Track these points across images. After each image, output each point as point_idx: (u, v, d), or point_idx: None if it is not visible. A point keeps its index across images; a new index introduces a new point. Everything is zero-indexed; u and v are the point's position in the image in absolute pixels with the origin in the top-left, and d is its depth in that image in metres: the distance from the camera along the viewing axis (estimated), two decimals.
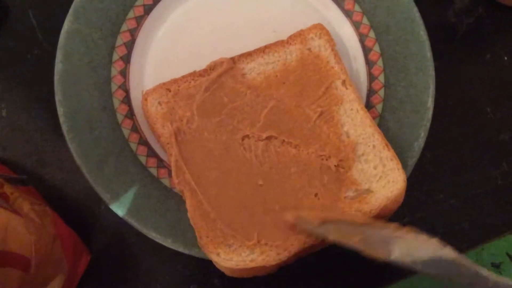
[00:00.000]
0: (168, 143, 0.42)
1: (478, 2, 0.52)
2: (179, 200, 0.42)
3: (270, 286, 0.45)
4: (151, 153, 0.44)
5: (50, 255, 0.34)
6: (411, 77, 0.46)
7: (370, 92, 0.46)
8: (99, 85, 0.44)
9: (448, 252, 0.34)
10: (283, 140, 0.43)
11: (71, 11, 0.45)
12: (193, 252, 0.41)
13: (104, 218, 0.46)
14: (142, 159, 0.44)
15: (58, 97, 0.43)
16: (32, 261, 0.31)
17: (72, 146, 0.42)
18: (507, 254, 0.46)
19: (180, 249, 0.41)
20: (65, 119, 0.42)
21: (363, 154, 0.43)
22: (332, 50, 0.46)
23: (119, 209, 0.41)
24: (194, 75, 0.45)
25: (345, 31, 0.48)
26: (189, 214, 0.40)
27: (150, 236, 0.41)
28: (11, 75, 0.48)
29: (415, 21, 0.46)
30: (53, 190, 0.46)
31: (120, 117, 0.44)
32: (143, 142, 0.44)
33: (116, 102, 0.45)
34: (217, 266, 0.40)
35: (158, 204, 0.42)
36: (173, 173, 0.41)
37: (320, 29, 0.46)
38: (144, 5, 0.47)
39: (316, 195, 0.41)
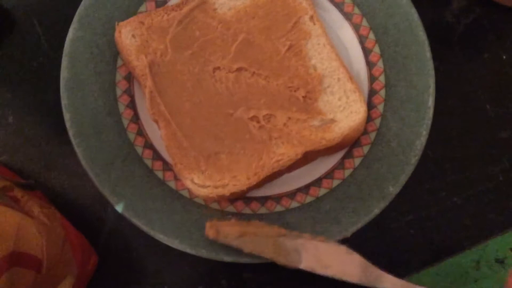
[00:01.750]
0: (142, 75, 0.44)
1: (475, 2, 0.53)
2: (185, 201, 0.43)
3: (275, 286, 0.46)
4: (157, 156, 0.45)
5: (60, 256, 0.35)
6: (411, 77, 0.46)
7: (372, 92, 0.47)
8: (105, 91, 0.45)
9: (356, 257, 0.39)
10: (253, 72, 0.45)
11: (75, 19, 0.45)
12: (200, 253, 0.41)
13: (111, 221, 0.46)
14: (148, 162, 0.44)
15: (64, 103, 0.44)
16: (43, 261, 0.32)
17: (78, 151, 0.43)
18: (511, 250, 0.46)
19: (187, 250, 0.41)
20: (72, 124, 0.43)
21: (328, 86, 0.45)
22: None
23: (126, 212, 0.42)
24: (167, 9, 0.46)
25: (345, 33, 0.48)
26: (164, 143, 0.42)
27: (157, 238, 0.41)
28: (17, 82, 0.49)
29: (414, 22, 0.47)
30: (60, 194, 0.47)
31: (125, 122, 0.45)
32: (149, 145, 0.45)
33: (121, 107, 0.45)
34: (193, 193, 0.41)
35: (165, 206, 0.43)
36: (148, 104, 0.43)
37: None
38: (147, 11, 0.47)
39: (284, 124, 0.43)
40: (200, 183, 0.41)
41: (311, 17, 0.47)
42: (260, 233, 0.40)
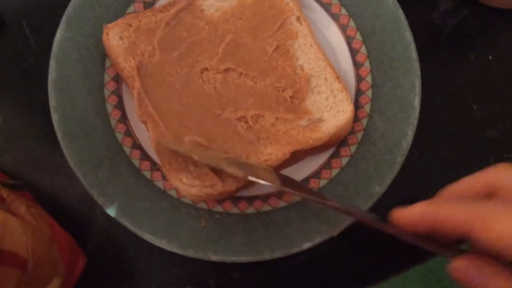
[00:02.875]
0: (130, 77, 0.44)
1: (462, 3, 0.53)
2: (173, 202, 0.43)
3: (262, 285, 0.46)
4: (145, 156, 0.45)
5: (46, 256, 0.35)
6: (398, 78, 0.47)
7: (358, 92, 0.47)
8: (93, 91, 0.45)
9: None
10: (241, 72, 0.45)
11: (63, 19, 0.46)
12: (188, 253, 0.41)
13: (99, 222, 0.46)
14: (136, 162, 0.44)
15: (52, 103, 0.44)
16: (29, 261, 0.32)
17: (66, 152, 0.43)
18: None
19: (175, 249, 0.42)
20: (60, 125, 0.43)
21: (315, 86, 0.45)
22: None
23: (114, 212, 0.42)
24: (154, 10, 0.47)
25: (332, 34, 0.49)
26: (152, 144, 0.43)
27: (145, 238, 0.41)
28: (6, 83, 0.49)
29: (401, 23, 0.47)
30: (49, 195, 0.47)
31: (113, 122, 0.45)
32: (137, 146, 0.45)
33: (109, 107, 0.45)
34: (181, 193, 0.42)
35: (152, 206, 0.43)
36: (136, 105, 0.43)
37: None
38: (135, 12, 0.48)
39: (272, 124, 0.43)
40: (188, 183, 0.41)
41: (298, 18, 0.47)
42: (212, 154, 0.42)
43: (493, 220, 0.28)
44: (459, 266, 0.30)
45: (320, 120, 0.44)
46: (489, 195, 0.32)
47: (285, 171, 0.45)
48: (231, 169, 0.39)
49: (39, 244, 0.33)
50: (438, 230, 0.31)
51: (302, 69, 0.46)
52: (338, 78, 0.45)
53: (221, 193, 0.42)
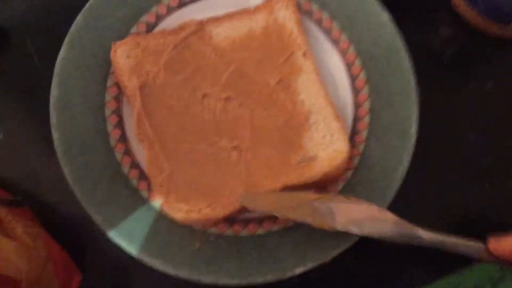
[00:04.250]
0: (132, 96, 0.45)
1: (462, 32, 0.53)
2: (169, 222, 0.44)
3: None
4: (143, 176, 0.45)
5: (41, 277, 0.35)
6: (396, 104, 0.47)
7: (356, 118, 0.48)
8: (94, 111, 0.46)
9: (388, 214, 0.39)
10: (241, 102, 0.45)
11: (67, 39, 0.46)
12: (182, 274, 0.42)
13: (97, 240, 0.46)
14: (134, 182, 0.45)
15: (53, 121, 0.44)
16: (22, 283, 0.32)
17: (65, 170, 0.43)
18: (489, 280, 0.47)
19: (169, 271, 0.42)
20: (60, 143, 0.44)
21: (314, 123, 0.45)
22: (296, 22, 0.48)
23: (110, 231, 0.42)
24: (164, 33, 0.47)
25: (332, 59, 0.49)
26: (145, 164, 0.43)
27: (139, 258, 0.42)
28: (9, 100, 0.50)
29: (400, 50, 0.48)
30: (48, 211, 0.47)
31: (113, 141, 0.46)
32: (135, 165, 0.45)
33: (110, 127, 0.46)
34: (168, 214, 0.42)
35: (148, 227, 0.43)
36: (135, 124, 0.44)
37: (287, 1, 0.48)
38: (138, 33, 0.48)
39: (266, 157, 0.44)
40: (176, 207, 0.42)
41: (304, 53, 0.47)
42: (294, 200, 0.41)
43: None
44: None
45: (315, 158, 0.44)
46: None
47: None
48: (317, 223, 0.40)
49: (34, 266, 0.34)
50: None
51: (303, 105, 0.46)
52: (337, 117, 0.45)
53: (208, 220, 0.42)
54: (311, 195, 0.41)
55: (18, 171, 0.48)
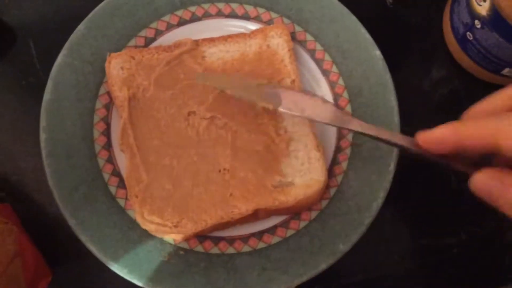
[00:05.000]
0: (121, 106, 0.46)
1: (454, 73, 0.54)
2: (142, 233, 0.44)
3: None
4: (122, 184, 0.46)
5: (5, 273, 0.36)
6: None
7: (338, 149, 0.48)
8: (83, 116, 0.47)
9: (329, 105, 0.42)
10: (225, 123, 0.46)
11: (66, 45, 0.48)
12: (147, 285, 0.42)
13: (70, 242, 0.47)
14: (112, 189, 0.46)
15: (42, 123, 0.46)
16: None
17: (48, 171, 0.44)
18: None
19: (135, 280, 0.43)
20: (46, 145, 0.45)
21: (294, 150, 0.46)
22: (289, 50, 0.49)
23: (82, 235, 0.43)
24: (159, 49, 0.49)
25: (320, 89, 0.50)
26: (124, 174, 0.45)
27: (108, 265, 0.43)
28: (3, 98, 0.51)
29: (387, 86, 0.48)
30: (28, 210, 0.48)
31: (97, 148, 0.47)
32: (116, 173, 0.47)
33: (96, 133, 0.47)
34: (142, 226, 0.43)
35: (120, 235, 0.44)
36: (119, 134, 0.45)
37: (282, 29, 0.50)
38: (135, 46, 0.50)
39: (243, 178, 0.44)
40: (149, 219, 0.43)
41: (293, 81, 0.48)
42: (245, 82, 0.46)
43: None
44: (480, 178, 0.31)
45: (291, 183, 0.45)
46: None
47: (250, 224, 0.46)
48: (263, 103, 0.43)
49: None
50: (463, 147, 0.32)
51: (285, 131, 0.46)
52: (318, 146, 0.46)
53: (179, 235, 0.43)
54: (261, 80, 0.45)
55: (4, 168, 0.49)
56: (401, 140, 0.37)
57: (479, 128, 0.31)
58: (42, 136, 0.46)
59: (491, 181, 0.31)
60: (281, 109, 0.42)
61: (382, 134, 0.38)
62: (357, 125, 0.40)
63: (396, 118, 0.48)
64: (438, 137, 0.34)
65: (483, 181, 0.32)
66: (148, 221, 0.43)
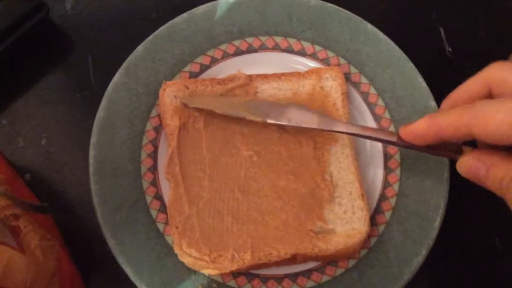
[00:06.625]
0: (171, 135, 0.46)
1: None
2: (177, 259, 0.44)
3: None
4: (163, 209, 0.46)
5: None
6: (425, 193, 0.46)
7: (382, 197, 0.47)
8: (133, 137, 0.48)
9: (314, 113, 0.45)
10: (272, 163, 0.46)
11: (123, 65, 0.49)
12: None
13: (107, 262, 0.47)
14: (153, 213, 0.46)
15: (93, 140, 0.47)
16: None
17: (93, 188, 0.45)
18: None
19: None
20: (94, 162, 0.46)
21: (338, 197, 0.45)
22: (342, 94, 0.49)
23: (120, 256, 0.43)
24: (213, 81, 0.49)
25: None
26: (167, 203, 0.45)
27: None
28: (58, 109, 0.52)
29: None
30: (70, 224, 0.49)
31: (143, 169, 0.47)
32: (158, 196, 0.47)
33: (144, 155, 0.48)
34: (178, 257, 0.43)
35: (157, 260, 0.44)
36: (166, 163, 0.46)
37: (337, 72, 0.49)
38: (190, 72, 0.50)
39: (284, 220, 0.44)
40: (187, 251, 0.43)
41: None
42: (230, 102, 0.47)
43: (489, 115, 0.31)
44: (464, 162, 0.35)
45: (332, 231, 0.44)
46: (489, 95, 0.36)
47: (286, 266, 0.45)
48: (251, 117, 0.45)
49: (39, 280, 0.35)
50: (443, 137, 0.35)
51: (331, 176, 0.46)
52: (362, 195, 0.45)
53: (215, 270, 0.43)
54: (244, 98, 0.47)
55: (50, 179, 0.50)
56: (387, 136, 0.41)
57: (453, 119, 0.33)
58: (92, 152, 0.46)
59: (475, 163, 0.34)
60: (269, 121, 0.45)
61: (367, 132, 0.42)
62: (342, 127, 0.43)
63: (446, 174, 0.47)
64: (418, 131, 0.37)
65: (466, 165, 0.34)
66: (186, 254, 0.42)
